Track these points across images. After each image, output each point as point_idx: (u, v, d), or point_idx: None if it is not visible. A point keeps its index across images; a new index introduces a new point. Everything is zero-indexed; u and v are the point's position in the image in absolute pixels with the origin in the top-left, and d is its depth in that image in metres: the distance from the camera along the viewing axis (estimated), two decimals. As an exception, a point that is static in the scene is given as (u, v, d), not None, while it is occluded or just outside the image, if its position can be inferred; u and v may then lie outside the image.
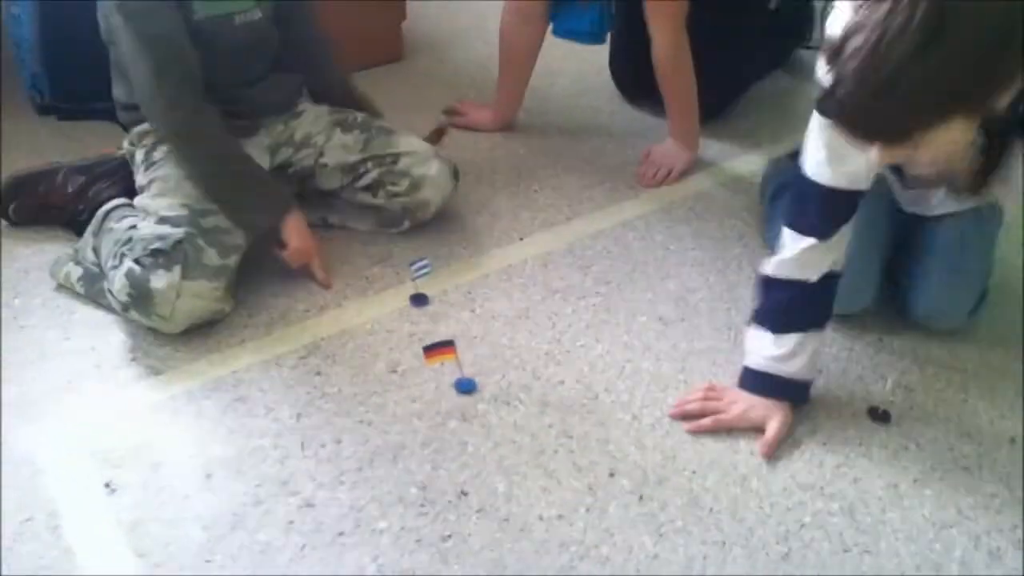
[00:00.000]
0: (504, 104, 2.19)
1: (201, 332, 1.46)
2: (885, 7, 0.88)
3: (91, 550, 1.11)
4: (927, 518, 1.17)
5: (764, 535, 1.13)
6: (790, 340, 1.27)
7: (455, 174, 1.72)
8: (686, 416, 1.31)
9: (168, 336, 1.44)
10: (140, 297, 1.37)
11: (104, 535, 1.13)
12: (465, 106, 2.25)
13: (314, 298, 1.58)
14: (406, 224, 1.71)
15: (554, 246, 1.75)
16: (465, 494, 1.19)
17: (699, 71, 1.94)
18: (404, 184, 1.66)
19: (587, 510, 1.17)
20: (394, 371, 1.41)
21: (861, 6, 0.92)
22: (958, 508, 1.19)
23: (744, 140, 2.14)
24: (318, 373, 1.40)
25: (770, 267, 1.29)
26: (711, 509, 1.17)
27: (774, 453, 1.25)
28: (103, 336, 1.46)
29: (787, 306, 1.28)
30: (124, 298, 1.38)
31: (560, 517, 1.16)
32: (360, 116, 1.73)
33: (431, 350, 1.34)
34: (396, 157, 1.67)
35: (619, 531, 1.14)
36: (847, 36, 0.92)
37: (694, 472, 1.23)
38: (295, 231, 1.55)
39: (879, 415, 1.32)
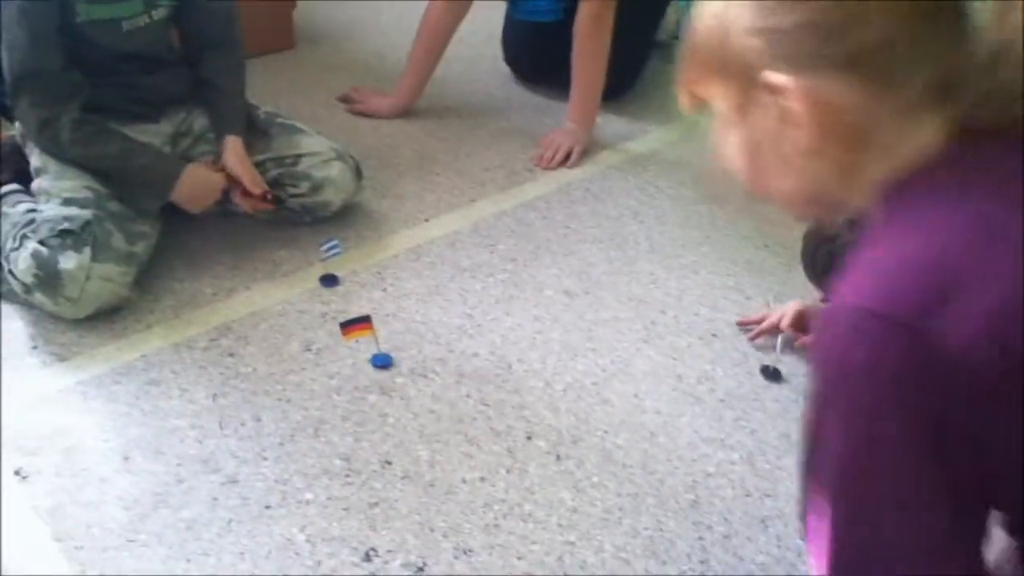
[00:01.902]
0: (408, 89, 2.21)
1: (105, 318, 1.43)
2: None
3: (7, 538, 1.08)
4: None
5: (673, 485, 1.21)
6: None
7: (358, 173, 1.73)
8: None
9: (70, 322, 1.40)
10: (47, 278, 1.33)
11: (19, 522, 1.10)
12: (362, 93, 2.26)
13: (221, 282, 1.56)
14: (307, 220, 1.71)
15: (459, 226, 1.79)
16: (389, 463, 1.22)
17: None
18: (304, 186, 1.66)
19: (507, 471, 1.22)
20: (308, 350, 1.42)
21: None
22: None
23: (637, 120, 2.23)
24: (231, 355, 1.40)
25: None
26: (624, 464, 1.24)
27: None
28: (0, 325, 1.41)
29: None
30: (29, 279, 1.34)
31: (482, 479, 1.20)
32: (263, 112, 1.71)
33: (348, 326, 1.36)
34: (297, 159, 1.66)
35: (539, 489, 1.19)
36: None
37: (606, 431, 1.30)
38: (200, 176, 1.55)
39: (771, 373, 1.43)
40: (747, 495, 1.20)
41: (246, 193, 1.59)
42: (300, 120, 1.76)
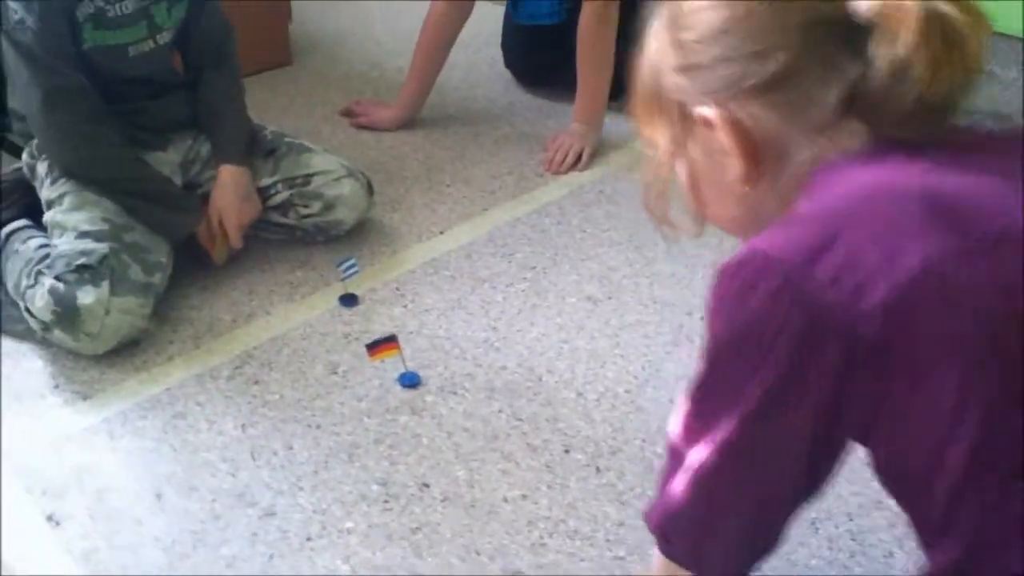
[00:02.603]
0: (411, 98, 2.18)
1: (126, 352, 1.40)
2: None
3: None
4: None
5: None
6: None
7: (370, 189, 1.70)
8: None
9: (91, 359, 1.38)
10: (66, 314, 1.31)
11: (55, 569, 1.08)
12: (363, 105, 2.23)
13: (239, 307, 1.54)
14: (320, 239, 1.69)
15: (474, 237, 1.77)
16: (427, 485, 1.19)
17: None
18: (316, 206, 1.63)
19: (548, 487, 1.19)
20: (334, 372, 1.40)
21: None
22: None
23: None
24: (256, 382, 1.37)
25: None
26: (665, 473, 1.22)
27: None
28: (16, 365, 1.38)
29: None
30: (48, 316, 1.31)
31: (524, 497, 1.18)
32: (270, 132, 1.69)
33: (374, 347, 1.33)
34: (308, 178, 1.63)
35: (582, 504, 1.17)
36: None
37: (644, 440, 1.27)
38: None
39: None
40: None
41: (220, 233, 1.56)
42: (303, 137, 1.73)
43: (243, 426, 1.29)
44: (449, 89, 2.33)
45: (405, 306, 1.56)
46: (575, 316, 1.54)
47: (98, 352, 1.37)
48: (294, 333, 1.48)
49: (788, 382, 0.64)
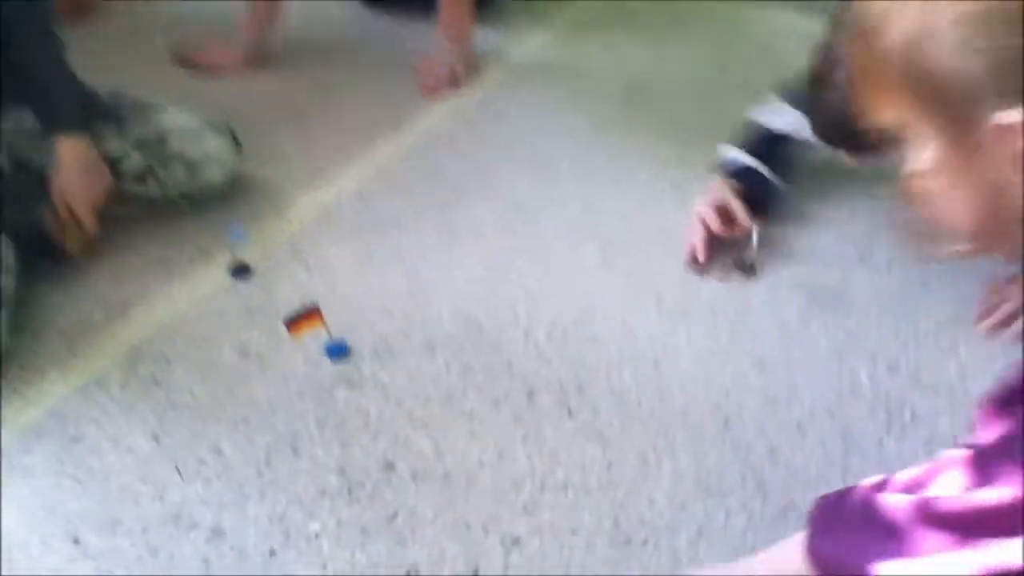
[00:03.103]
0: (254, 34, 1.95)
1: (-16, 376, 1.16)
2: None
3: None
4: (823, 348, 1.22)
5: (697, 412, 1.12)
6: None
7: (235, 141, 1.49)
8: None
9: (-58, 392, 1.13)
10: None
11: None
12: (202, 52, 1.97)
13: (110, 300, 1.31)
14: (187, 208, 1.46)
15: (363, 178, 1.60)
16: (391, 465, 1.06)
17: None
18: (178, 169, 1.41)
19: (522, 441, 1.09)
20: (246, 355, 1.22)
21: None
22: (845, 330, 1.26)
23: (511, 28, 2.07)
24: (156, 383, 1.18)
25: None
26: (639, 402, 1.14)
27: None
28: None
29: None
30: None
31: (500, 456, 1.07)
32: (107, 94, 1.43)
33: (294, 322, 1.17)
34: (163, 137, 1.40)
35: (563, 451, 1.07)
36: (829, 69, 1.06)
37: (607, 371, 1.19)
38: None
39: (747, 267, 1.36)
40: (772, 403, 1.14)
41: (71, 220, 1.32)
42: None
43: (155, 437, 1.10)
44: (293, 22, 2.09)
45: (307, 267, 1.38)
46: (497, 252, 1.42)
47: (-50, 383, 1.12)
48: (186, 318, 1.28)
49: None
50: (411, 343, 1.24)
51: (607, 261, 1.39)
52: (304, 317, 1.17)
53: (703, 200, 1.37)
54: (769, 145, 1.40)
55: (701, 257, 1.34)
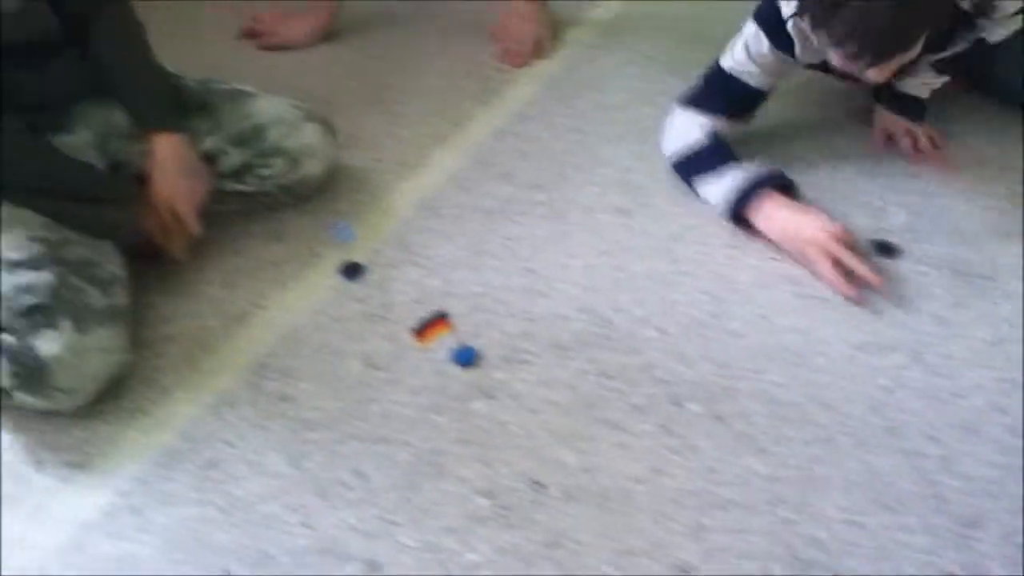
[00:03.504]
0: (325, 2, 1.85)
1: (110, 397, 1.13)
2: None
3: None
4: (981, 336, 1.15)
5: (858, 414, 1.06)
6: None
7: (331, 130, 1.42)
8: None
9: (71, 416, 1.10)
10: (30, 373, 1.02)
11: None
12: (268, 22, 1.89)
13: (224, 308, 1.27)
14: (287, 202, 1.41)
15: (460, 163, 1.52)
16: (540, 484, 1.02)
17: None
18: (279, 164, 1.35)
19: (676, 453, 1.04)
20: (374, 366, 1.17)
21: None
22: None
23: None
24: (284, 399, 1.14)
25: None
26: (793, 404, 1.08)
27: None
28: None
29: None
30: (7, 381, 1.03)
31: (656, 471, 1.02)
32: (193, 81, 1.36)
33: (423, 330, 1.12)
34: (259, 131, 1.34)
35: (722, 465, 1.02)
36: None
37: (754, 371, 1.13)
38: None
39: (885, 248, 1.28)
40: (938, 400, 1.07)
41: (174, 222, 1.26)
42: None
43: (294, 459, 1.06)
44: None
45: (418, 264, 1.33)
46: (613, 235, 1.35)
47: (79, 405, 1.10)
48: (304, 326, 1.24)
49: None
50: (539, 344, 1.18)
51: (734, 241, 1.31)
52: (432, 324, 1.13)
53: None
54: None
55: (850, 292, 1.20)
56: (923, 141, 1.44)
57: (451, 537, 0.97)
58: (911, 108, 1.44)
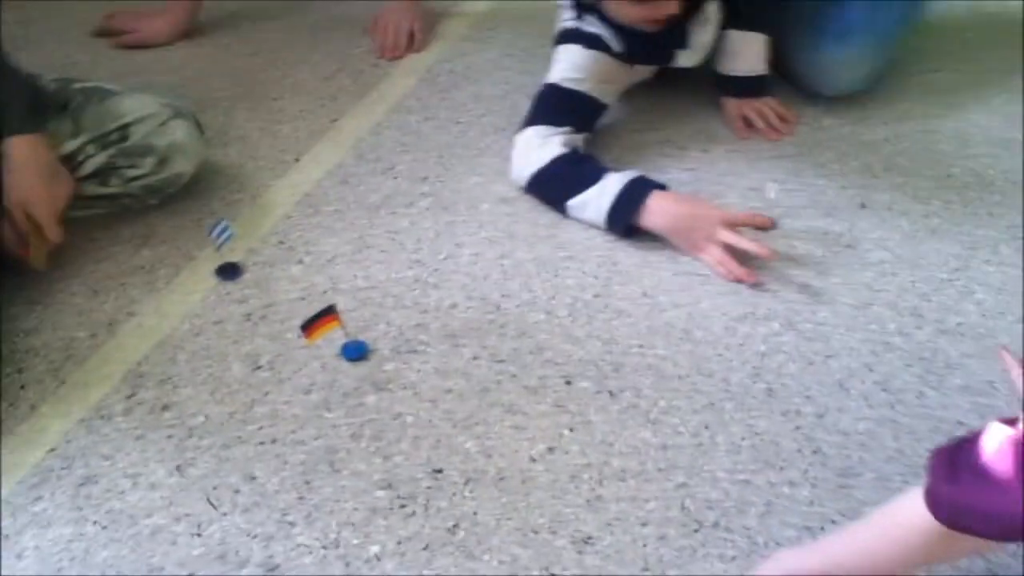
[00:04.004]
0: (181, 4, 1.79)
1: (-30, 418, 1.05)
2: None
3: None
4: (847, 302, 1.21)
5: (739, 380, 1.10)
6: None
7: (199, 126, 1.36)
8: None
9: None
10: None
11: None
12: (124, 19, 1.81)
13: (92, 317, 1.21)
14: (153, 203, 1.35)
15: (339, 157, 1.50)
16: (439, 471, 1.01)
17: None
18: (148, 163, 1.29)
19: (570, 430, 1.05)
20: (258, 367, 1.14)
21: None
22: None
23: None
24: (165, 407, 1.09)
25: None
26: (678, 376, 1.11)
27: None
28: None
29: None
30: None
31: (551, 450, 1.03)
32: (52, 81, 1.29)
33: (311, 327, 1.09)
34: (124, 130, 1.27)
35: (615, 437, 1.04)
36: None
37: (640, 346, 1.15)
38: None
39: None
40: (810, 363, 1.12)
41: (33, 230, 1.19)
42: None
43: (178, 468, 1.02)
44: (222, -19, 1.93)
45: (301, 261, 1.29)
46: (499, 224, 1.36)
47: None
48: (180, 331, 1.19)
49: None
50: (431, 335, 1.17)
51: (613, 226, 1.34)
52: (320, 320, 1.10)
53: None
54: None
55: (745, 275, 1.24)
56: (772, 116, 1.51)
57: (351, 532, 0.95)
58: (750, 85, 1.50)
